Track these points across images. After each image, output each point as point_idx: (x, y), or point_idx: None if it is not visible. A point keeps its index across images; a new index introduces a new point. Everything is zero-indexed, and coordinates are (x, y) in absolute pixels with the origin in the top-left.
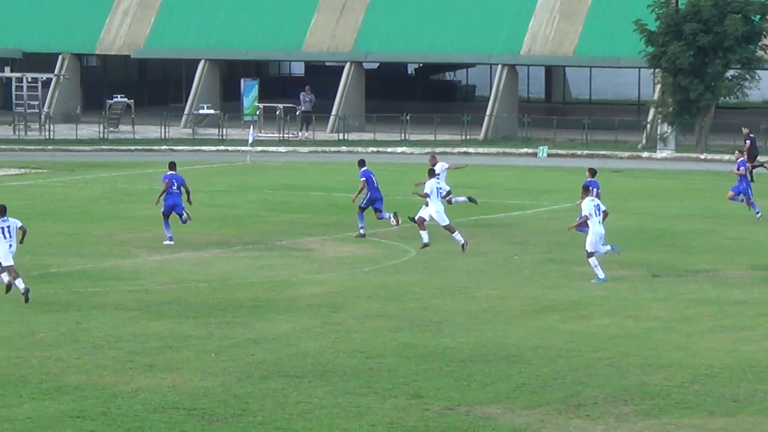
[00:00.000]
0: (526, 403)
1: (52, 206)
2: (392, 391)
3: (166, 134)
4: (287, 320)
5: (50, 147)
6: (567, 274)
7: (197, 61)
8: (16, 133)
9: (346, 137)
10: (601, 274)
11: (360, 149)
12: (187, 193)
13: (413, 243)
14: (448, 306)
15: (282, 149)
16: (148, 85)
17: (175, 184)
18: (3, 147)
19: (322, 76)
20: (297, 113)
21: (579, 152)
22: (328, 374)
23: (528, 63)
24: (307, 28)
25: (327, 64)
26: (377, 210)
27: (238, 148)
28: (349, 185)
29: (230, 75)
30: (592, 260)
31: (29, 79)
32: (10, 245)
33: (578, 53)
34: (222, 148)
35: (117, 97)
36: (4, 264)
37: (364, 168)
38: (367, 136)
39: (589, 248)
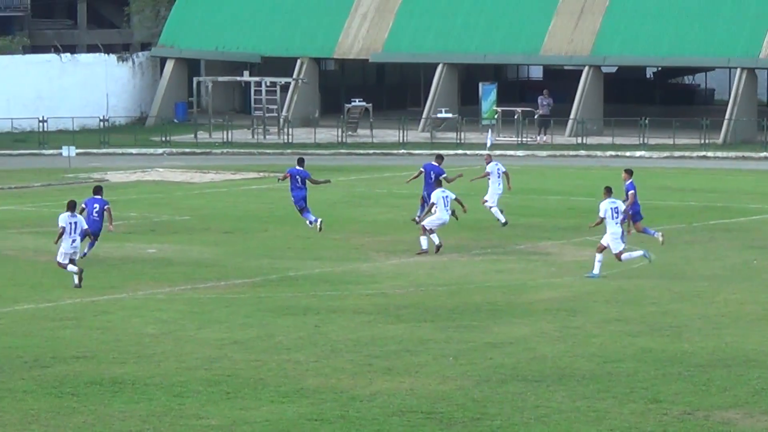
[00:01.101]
0: (765, 408)
1: (290, 210)
2: (630, 396)
3: (404, 138)
4: (525, 324)
5: (288, 151)
6: None
7: (435, 65)
8: (255, 137)
9: (584, 141)
10: (597, 269)
11: (598, 153)
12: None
13: (653, 247)
14: (686, 310)
15: (520, 153)
16: (386, 89)
17: (299, 179)
18: (242, 151)
19: (560, 80)
20: (535, 117)
21: None
22: (566, 378)
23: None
24: (546, 31)
25: (565, 68)
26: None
27: (476, 152)
28: (587, 189)
29: (468, 79)
30: (599, 255)
31: (268, 84)
32: (74, 240)
33: None
34: (460, 152)
35: (355, 101)
36: (66, 260)
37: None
38: (606, 140)
39: (614, 250)
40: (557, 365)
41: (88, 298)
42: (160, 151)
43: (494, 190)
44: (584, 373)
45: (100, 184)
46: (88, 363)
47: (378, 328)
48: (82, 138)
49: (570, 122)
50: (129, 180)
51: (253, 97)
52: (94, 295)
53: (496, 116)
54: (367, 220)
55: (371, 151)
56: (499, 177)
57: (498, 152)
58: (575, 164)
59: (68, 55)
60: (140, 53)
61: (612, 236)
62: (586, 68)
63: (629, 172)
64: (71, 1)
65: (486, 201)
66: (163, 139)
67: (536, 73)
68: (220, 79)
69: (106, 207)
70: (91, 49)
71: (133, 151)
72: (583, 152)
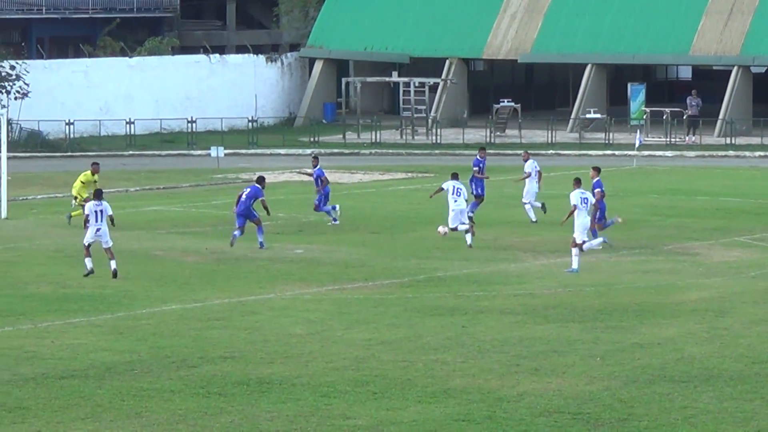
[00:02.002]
0: None
1: (438, 210)
2: None
3: (553, 138)
4: (673, 325)
5: (437, 151)
6: None
7: (584, 65)
8: (403, 137)
9: (733, 141)
10: (575, 264)
11: (747, 153)
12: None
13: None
14: None
15: (668, 153)
16: (534, 89)
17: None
18: (390, 151)
19: (709, 80)
20: (684, 117)
21: None
22: (713, 379)
23: None
24: (695, 31)
25: (714, 68)
26: None
27: (625, 152)
28: (735, 190)
29: (617, 79)
30: (575, 250)
31: (417, 84)
32: (98, 229)
33: None
34: (608, 152)
35: (504, 102)
36: (88, 242)
37: None
38: (755, 140)
39: (577, 239)
40: (705, 366)
41: (236, 298)
42: (308, 151)
43: (531, 188)
44: (732, 374)
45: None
46: (236, 363)
47: (525, 329)
48: (231, 138)
49: (719, 122)
50: (277, 180)
51: (401, 97)
52: (242, 296)
53: (644, 117)
54: (515, 221)
55: (519, 152)
56: (536, 175)
57: (646, 152)
58: (724, 165)
59: (217, 55)
60: (289, 54)
61: (580, 226)
62: (735, 68)
63: (597, 170)
64: (220, 2)
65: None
66: (312, 139)
67: (685, 73)
68: (369, 79)
69: (261, 199)
70: (240, 49)
71: (282, 151)
72: (731, 153)
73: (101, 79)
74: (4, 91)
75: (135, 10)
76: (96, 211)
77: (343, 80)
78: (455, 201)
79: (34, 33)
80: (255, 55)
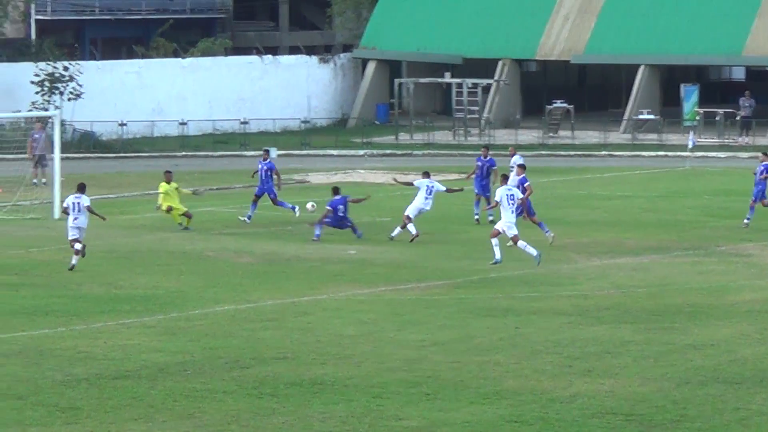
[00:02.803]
0: None
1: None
2: None
3: (606, 139)
4: (726, 326)
5: (490, 152)
6: None
7: (637, 66)
8: (456, 138)
9: None
10: (498, 254)
11: None
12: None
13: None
14: None
15: (721, 155)
16: (587, 90)
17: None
18: (443, 152)
19: (762, 81)
20: (737, 118)
21: None
22: (767, 381)
23: None
24: (748, 32)
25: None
26: None
27: (678, 153)
28: None
29: (670, 80)
30: (521, 243)
31: (469, 85)
32: (76, 218)
33: None
34: (661, 153)
35: (557, 103)
36: (72, 237)
37: None
38: None
39: (509, 234)
40: (758, 367)
41: (289, 299)
42: (361, 152)
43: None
44: None
45: (336, 185)
46: (288, 364)
47: (578, 330)
48: (284, 139)
49: None
50: (330, 181)
51: (454, 98)
52: (294, 296)
53: (697, 117)
54: (567, 222)
55: (572, 153)
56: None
57: (699, 153)
58: None
59: (270, 56)
60: (341, 55)
61: (507, 223)
62: None
63: (522, 167)
64: (274, 3)
65: None
66: (364, 140)
67: (739, 74)
68: (422, 80)
69: (349, 198)
70: (293, 50)
71: (334, 152)
72: None
73: (154, 80)
74: (57, 92)
75: (188, 11)
76: (74, 203)
77: (396, 81)
78: (426, 199)
79: (87, 34)
80: (308, 56)
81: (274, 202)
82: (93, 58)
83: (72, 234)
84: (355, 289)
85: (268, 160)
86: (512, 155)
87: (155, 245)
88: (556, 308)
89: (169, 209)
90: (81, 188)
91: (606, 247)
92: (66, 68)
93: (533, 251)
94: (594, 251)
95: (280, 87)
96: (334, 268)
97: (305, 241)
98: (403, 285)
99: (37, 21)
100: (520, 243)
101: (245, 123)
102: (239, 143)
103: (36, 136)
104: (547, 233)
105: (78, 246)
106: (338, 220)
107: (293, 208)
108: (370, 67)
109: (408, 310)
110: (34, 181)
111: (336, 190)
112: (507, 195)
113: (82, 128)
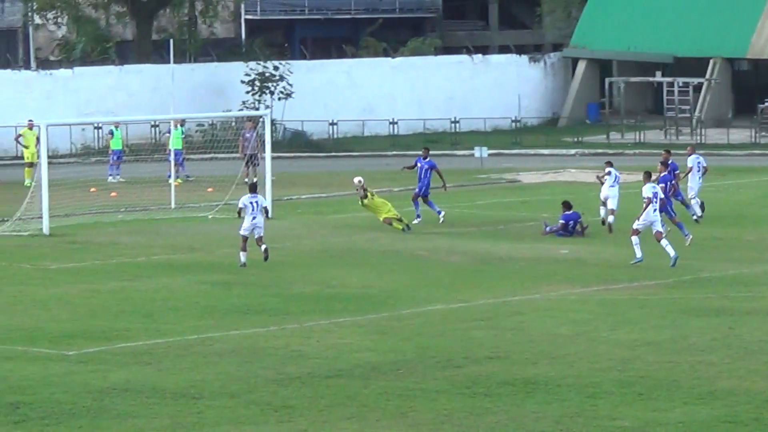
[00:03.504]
0: None
1: (707, 211)
2: None
3: None
4: None
5: (701, 152)
6: None
7: None
8: (668, 137)
9: None
10: (639, 253)
11: None
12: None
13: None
14: None
15: None
16: None
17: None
18: (654, 152)
19: None
20: None
21: None
22: None
23: None
24: None
25: None
26: None
27: None
28: None
29: None
30: (635, 238)
31: (680, 84)
32: (254, 217)
33: None
34: None
35: None
36: (245, 234)
37: None
38: None
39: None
40: None
41: (501, 298)
42: (572, 151)
43: (695, 184)
44: None
45: (567, 200)
46: (501, 363)
47: None
48: (494, 139)
49: None
50: (541, 181)
51: (665, 97)
52: (506, 296)
53: None
54: None
55: None
56: (699, 170)
57: None
58: None
59: (480, 56)
60: (552, 54)
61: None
62: None
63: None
64: (483, 2)
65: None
66: (575, 140)
67: None
68: (632, 79)
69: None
70: (503, 50)
71: (545, 151)
72: None
73: (364, 80)
74: (268, 91)
75: (397, 10)
76: (252, 203)
77: (606, 80)
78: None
79: (297, 34)
80: (518, 56)
81: (425, 200)
82: (303, 57)
83: (246, 231)
84: (568, 288)
85: (429, 159)
86: (690, 154)
87: (367, 244)
88: None
89: (387, 221)
90: (253, 188)
91: None
92: (276, 68)
93: (671, 252)
94: None
95: (490, 86)
96: (547, 268)
97: (517, 240)
98: (616, 284)
99: (246, 21)
100: (663, 241)
101: (456, 122)
102: (450, 142)
103: (247, 135)
104: (686, 235)
105: (262, 247)
106: (568, 234)
107: (439, 212)
108: (581, 66)
109: (621, 309)
110: (246, 180)
111: (568, 205)
112: (653, 193)
113: (293, 128)
